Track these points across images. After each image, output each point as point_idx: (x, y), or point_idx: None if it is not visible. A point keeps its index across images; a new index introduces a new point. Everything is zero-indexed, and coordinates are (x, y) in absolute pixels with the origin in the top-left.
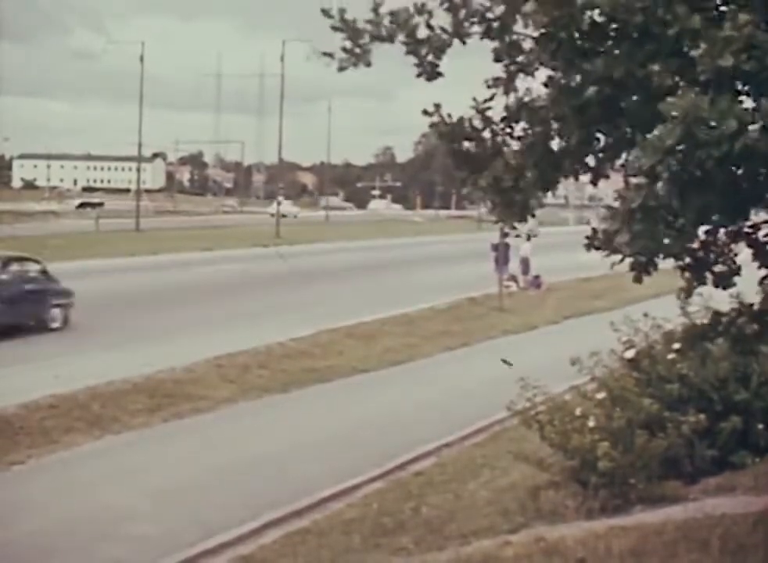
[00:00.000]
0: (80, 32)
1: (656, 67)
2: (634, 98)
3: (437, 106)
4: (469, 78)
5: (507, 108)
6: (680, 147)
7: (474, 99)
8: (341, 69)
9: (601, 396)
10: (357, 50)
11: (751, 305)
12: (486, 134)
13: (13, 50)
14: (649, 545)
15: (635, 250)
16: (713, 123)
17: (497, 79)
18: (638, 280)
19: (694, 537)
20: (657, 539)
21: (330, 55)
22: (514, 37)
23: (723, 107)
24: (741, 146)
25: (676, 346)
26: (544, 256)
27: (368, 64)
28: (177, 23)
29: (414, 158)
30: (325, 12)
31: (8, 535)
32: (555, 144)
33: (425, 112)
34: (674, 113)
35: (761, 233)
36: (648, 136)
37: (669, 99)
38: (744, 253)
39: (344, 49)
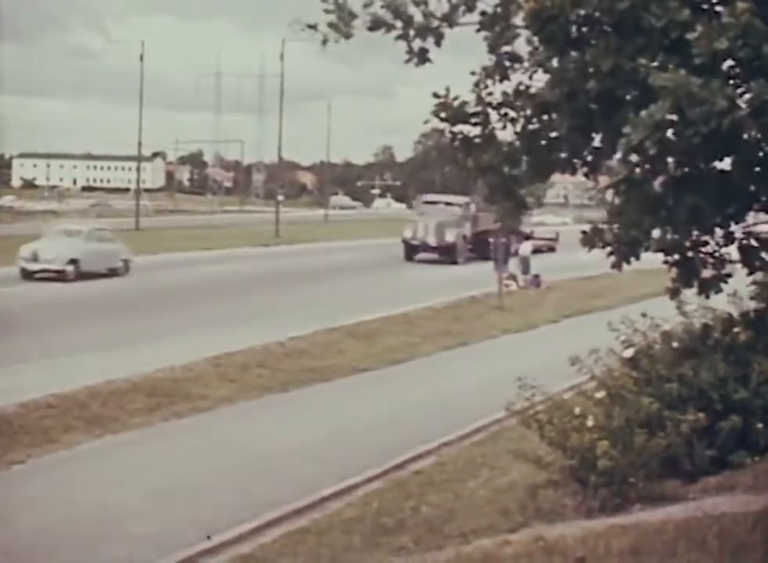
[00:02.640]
0: (79, 31)
1: (644, 60)
2: (626, 93)
3: (447, 90)
4: (470, 77)
5: (504, 94)
6: (670, 129)
7: (475, 85)
8: (324, 42)
9: (600, 395)
10: (343, 26)
11: (747, 313)
12: (484, 118)
13: (13, 50)
14: (648, 544)
15: (623, 240)
16: (703, 100)
17: (485, 69)
18: (618, 267)
19: (693, 536)
20: (656, 538)
21: (313, 26)
22: (508, 27)
23: (714, 86)
24: (729, 124)
25: (675, 345)
26: (544, 255)
27: (349, 37)
28: (177, 22)
29: (414, 157)
30: None
31: (8, 534)
32: (551, 133)
33: (435, 95)
34: (665, 84)
35: (753, 238)
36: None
37: (663, 75)
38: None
39: (330, 24)
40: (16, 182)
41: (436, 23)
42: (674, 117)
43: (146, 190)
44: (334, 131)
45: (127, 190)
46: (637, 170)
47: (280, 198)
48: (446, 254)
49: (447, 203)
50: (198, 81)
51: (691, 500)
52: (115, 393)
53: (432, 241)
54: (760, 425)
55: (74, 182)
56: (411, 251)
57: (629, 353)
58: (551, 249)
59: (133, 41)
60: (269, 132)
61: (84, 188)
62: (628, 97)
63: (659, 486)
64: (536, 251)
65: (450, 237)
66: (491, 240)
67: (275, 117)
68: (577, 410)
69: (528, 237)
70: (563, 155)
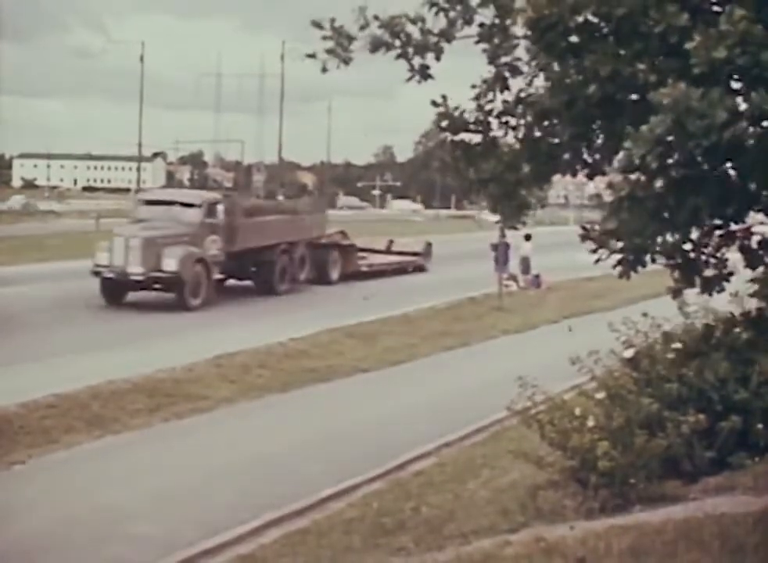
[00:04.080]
0: (79, 31)
1: (642, 66)
2: (627, 97)
3: (444, 98)
4: (473, 77)
5: (504, 102)
6: (670, 138)
7: (476, 97)
8: (324, 70)
9: (600, 395)
10: (341, 52)
11: (749, 312)
12: (485, 126)
13: (13, 50)
14: (649, 544)
15: (625, 247)
16: (703, 114)
17: (485, 81)
18: (626, 276)
19: (693, 537)
20: (656, 539)
21: (312, 55)
22: (506, 38)
23: (713, 98)
24: (730, 137)
25: (676, 346)
26: (545, 255)
27: (348, 62)
28: (177, 22)
29: (414, 157)
30: (316, 24)
31: (8, 534)
32: (552, 140)
33: (434, 104)
34: (664, 102)
35: (754, 238)
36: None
37: (661, 90)
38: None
39: (328, 51)
40: (16, 182)
41: (434, 40)
42: (675, 131)
43: None
44: (334, 131)
45: (128, 190)
46: (639, 182)
47: (280, 198)
48: (173, 292)
49: (183, 204)
50: (198, 81)
51: (692, 501)
52: (116, 394)
53: (136, 270)
54: (760, 426)
55: (75, 182)
56: (113, 288)
57: (629, 353)
58: (419, 268)
59: (133, 41)
60: (269, 132)
61: (85, 189)
62: (629, 101)
63: (659, 487)
64: (379, 273)
65: (170, 263)
66: (278, 260)
67: (276, 117)
68: (577, 411)
69: (528, 237)
70: (565, 158)
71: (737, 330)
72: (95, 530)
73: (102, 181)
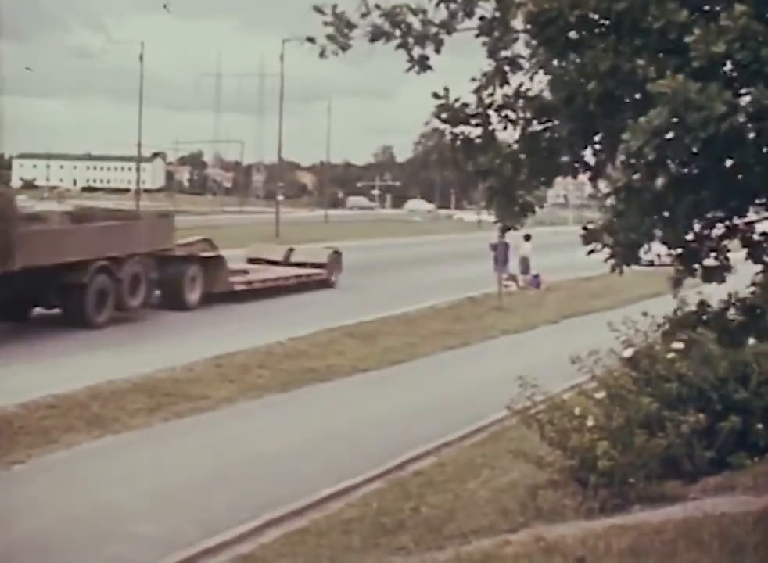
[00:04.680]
0: (79, 31)
1: (642, 61)
2: (627, 94)
3: (446, 90)
4: (474, 75)
5: (504, 96)
6: (669, 135)
7: (476, 90)
8: (322, 54)
9: (600, 395)
10: (341, 38)
11: (744, 299)
12: (485, 119)
13: (13, 50)
14: (648, 544)
15: (619, 241)
16: (701, 106)
17: (484, 74)
18: (618, 270)
19: (693, 536)
20: (656, 538)
21: (312, 39)
22: (506, 31)
23: (712, 91)
24: (728, 128)
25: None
26: (544, 255)
27: (346, 49)
28: (177, 22)
29: (414, 157)
30: (318, 9)
31: (8, 534)
32: (552, 135)
33: (435, 96)
34: (662, 91)
35: (756, 233)
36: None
37: (660, 81)
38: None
39: (328, 36)
40: (15, 183)
41: (434, 31)
42: (673, 123)
43: (146, 190)
44: (334, 131)
45: (127, 190)
46: (637, 175)
47: (280, 198)
48: None
49: None
50: (198, 81)
51: (691, 501)
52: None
53: None
54: (760, 426)
55: (74, 183)
56: None
57: (629, 353)
58: (324, 284)
59: (133, 41)
60: (269, 132)
61: (84, 189)
62: (627, 100)
63: (659, 487)
64: (265, 291)
65: None
66: (92, 282)
67: (275, 117)
68: (577, 411)
69: (528, 237)
70: (565, 158)
71: (731, 311)
72: (95, 530)
73: (101, 181)
